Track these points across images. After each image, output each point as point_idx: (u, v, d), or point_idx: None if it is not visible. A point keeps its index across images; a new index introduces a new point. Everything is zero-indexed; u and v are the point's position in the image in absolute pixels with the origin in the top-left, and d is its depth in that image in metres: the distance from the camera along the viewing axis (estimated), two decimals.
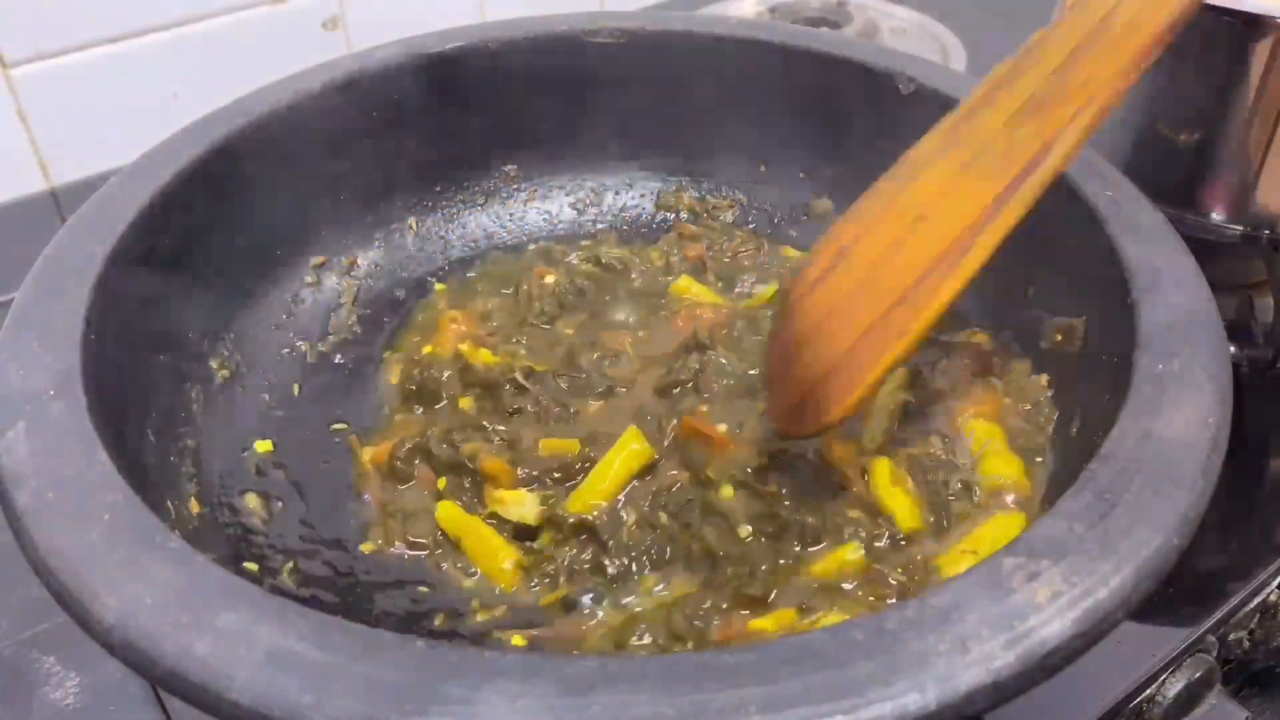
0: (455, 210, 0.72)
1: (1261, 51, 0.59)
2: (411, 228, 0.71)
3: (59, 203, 0.86)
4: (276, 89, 0.63)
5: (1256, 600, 0.54)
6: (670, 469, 0.54)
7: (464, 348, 0.63)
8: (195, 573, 0.36)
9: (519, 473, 0.55)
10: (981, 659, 0.32)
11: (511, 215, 0.74)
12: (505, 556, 0.52)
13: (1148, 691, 0.50)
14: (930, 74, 0.64)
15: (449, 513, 0.54)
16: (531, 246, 0.73)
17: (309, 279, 0.66)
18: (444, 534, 0.53)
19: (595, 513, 0.52)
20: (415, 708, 0.31)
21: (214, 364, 0.59)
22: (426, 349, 0.64)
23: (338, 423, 0.60)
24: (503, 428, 0.57)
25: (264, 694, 0.32)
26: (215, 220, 0.59)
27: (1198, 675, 0.51)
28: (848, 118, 0.67)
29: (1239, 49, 0.60)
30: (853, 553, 0.50)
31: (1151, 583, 0.36)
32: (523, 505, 0.53)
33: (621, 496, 0.53)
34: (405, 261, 0.70)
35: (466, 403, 0.59)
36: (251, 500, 0.54)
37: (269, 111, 0.61)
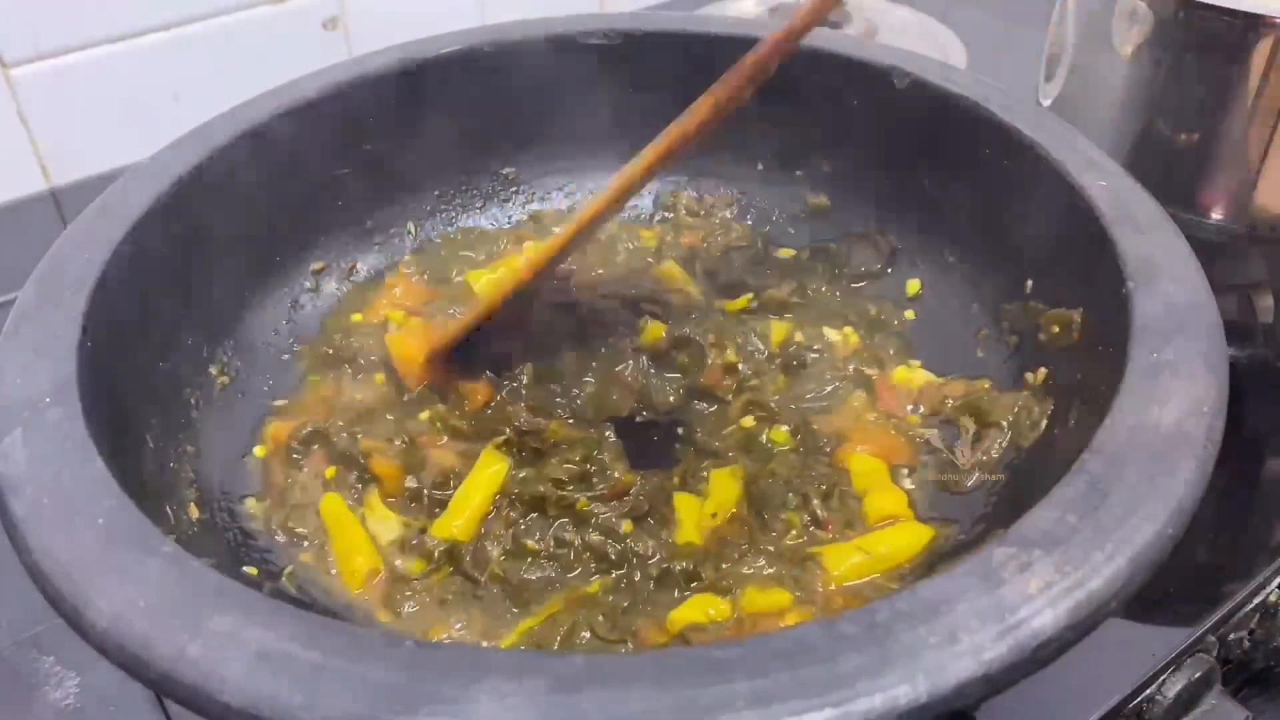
0: (454, 214, 0.72)
1: (1261, 51, 0.59)
2: (410, 232, 0.71)
3: (59, 203, 0.87)
4: (275, 95, 0.63)
5: (1256, 600, 0.54)
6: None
7: (393, 315, 0.62)
8: (188, 576, 0.36)
9: (408, 482, 0.54)
10: (972, 650, 0.32)
11: (510, 218, 0.74)
12: (367, 561, 0.51)
13: (1148, 691, 0.49)
14: (926, 70, 0.63)
15: (331, 507, 0.54)
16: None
17: (308, 284, 0.66)
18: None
19: (465, 548, 0.51)
20: (405, 707, 0.31)
21: (213, 370, 0.59)
22: (354, 316, 0.64)
23: None
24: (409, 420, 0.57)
25: (255, 695, 0.32)
26: (214, 226, 0.59)
27: (1198, 675, 0.51)
28: (845, 115, 0.67)
29: (1239, 49, 0.60)
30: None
31: (1145, 573, 0.35)
32: (385, 524, 0.53)
33: (483, 529, 0.52)
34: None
35: (381, 379, 0.59)
36: (251, 505, 0.54)
37: (267, 118, 0.61)
